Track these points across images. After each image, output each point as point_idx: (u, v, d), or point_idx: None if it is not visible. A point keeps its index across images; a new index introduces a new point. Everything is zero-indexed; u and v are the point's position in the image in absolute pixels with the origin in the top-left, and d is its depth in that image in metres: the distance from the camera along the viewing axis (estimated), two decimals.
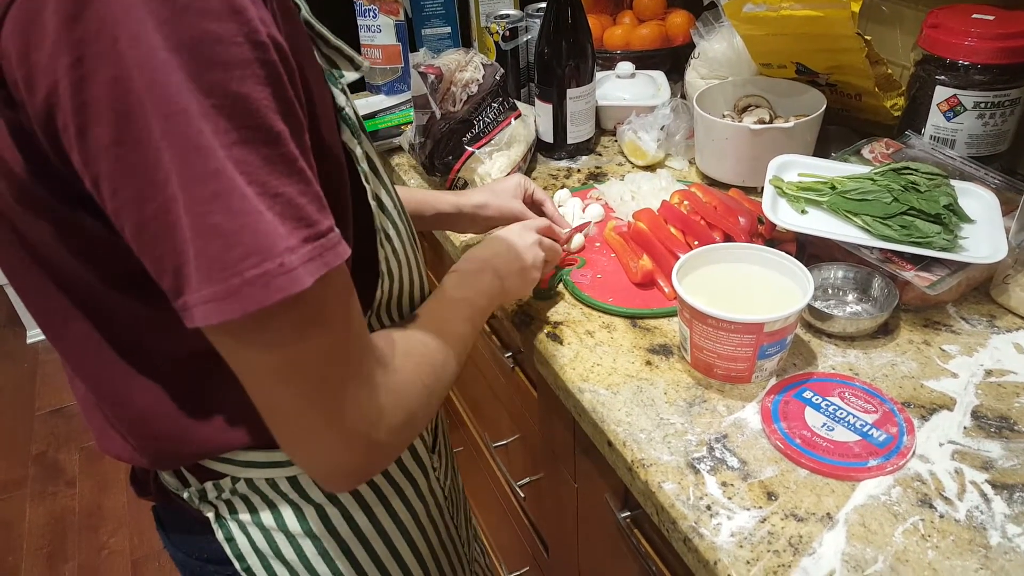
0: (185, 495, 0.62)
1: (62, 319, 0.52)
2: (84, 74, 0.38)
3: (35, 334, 2.72)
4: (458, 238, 1.04)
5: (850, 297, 0.84)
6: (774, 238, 0.91)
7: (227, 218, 0.39)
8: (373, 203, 0.59)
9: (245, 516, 0.63)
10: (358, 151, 0.57)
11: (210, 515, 0.63)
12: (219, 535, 0.63)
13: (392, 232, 0.63)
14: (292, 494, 0.63)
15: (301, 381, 0.46)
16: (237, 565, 0.64)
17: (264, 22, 0.41)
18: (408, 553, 0.70)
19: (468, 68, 1.12)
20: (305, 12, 0.55)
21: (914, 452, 0.65)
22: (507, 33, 1.28)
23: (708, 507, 0.62)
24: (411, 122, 1.19)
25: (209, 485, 0.61)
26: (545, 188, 1.14)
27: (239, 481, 0.61)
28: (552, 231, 0.86)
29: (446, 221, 0.92)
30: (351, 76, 0.60)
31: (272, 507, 0.63)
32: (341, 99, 0.56)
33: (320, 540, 0.65)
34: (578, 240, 0.96)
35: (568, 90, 1.13)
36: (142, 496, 0.66)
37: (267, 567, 0.64)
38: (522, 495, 1.15)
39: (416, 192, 0.92)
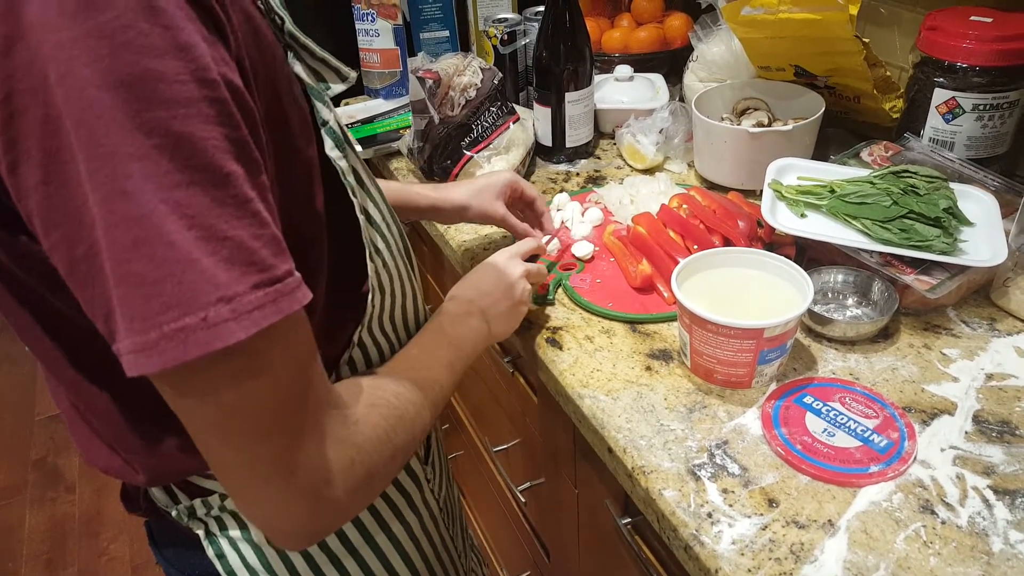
0: (174, 512, 0.62)
1: (38, 336, 0.52)
2: (13, 111, 0.37)
3: None
4: (456, 240, 1.03)
5: (850, 301, 0.83)
6: (773, 242, 0.91)
7: (149, 267, 0.37)
8: (361, 217, 0.58)
9: (235, 532, 0.62)
10: (343, 164, 0.56)
11: (200, 532, 0.62)
12: (209, 552, 0.62)
13: (382, 245, 0.62)
14: None
15: (241, 435, 0.43)
16: None
17: (217, 60, 0.40)
18: (402, 566, 0.70)
19: (466, 72, 1.12)
20: (289, 24, 0.54)
21: (915, 457, 0.65)
22: (505, 37, 1.28)
23: (709, 514, 0.61)
24: (409, 126, 1.19)
25: (198, 502, 0.61)
26: (544, 192, 1.14)
27: (227, 498, 0.61)
28: (540, 250, 0.84)
29: (422, 215, 0.91)
30: (337, 88, 0.59)
31: None
32: (325, 112, 0.55)
33: (311, 555, 0.64)
34: (553, 246, 0.95)
35: (566, 93, 1.13)
36: (132, 512, 0.65)
37: None
38: (523, 500, 1.15)
39: (393, 185, 0.89)
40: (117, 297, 0.38)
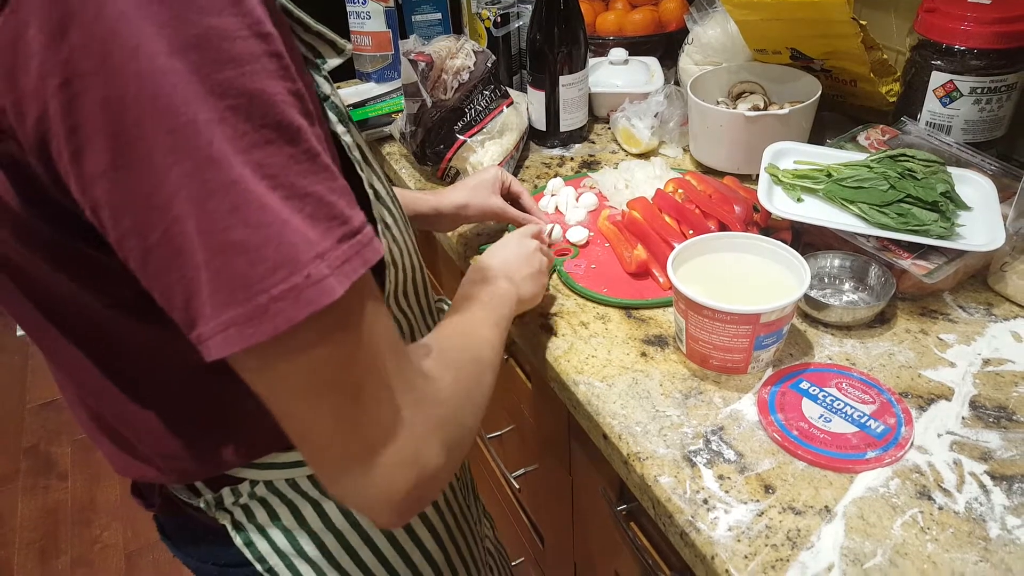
0: (201, 504, 0.61)
1: (63, 348, 0.50)
2: (73, 95, 0.35)
3: None
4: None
5: (846, 286, 0.83)
6: (769, 226, 0.90)
7: (249, 232, 0.36)
8: (370, 191, 0.58)
9: (263, 519, 0.62)
10: (348, 139, 0.56)
11: (226, 522, 0.61)
12: (237, 540, 0.62)
13: (390, 220, 0.62)
14: (313, 491, 0.62)
15: (339, 395, 0.42)
16: (259, 567, 0.63)
17: (265, 15, 0.39)
18: (428, 537, 0.70)
19: (459, 55, 1.10)
20: None
21: (912, 443, 0.64)
22: (498, 19, 1.26)
23: (705, 501, 0.61)
24: (402, 110, 1.18)
25: (226, 491, 0.60)
26: (538, 177, 1.12)
27: (258, 484, 0.60)
28: (541, 236, 0.85)
29: (425, 222, 0.91)
30: (334, 62, 0.58)
31: (292, 506, 0.62)
32: (326, 87, 0.55)
33: (343, 534, 0.64)
34: (557, 233, 0.94)
35: (561, 77, 1.12)
36: (148, 508, 0.65)
37: (290, 566, 0.63)
38: (517, 486, 1.14)
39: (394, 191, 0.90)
40: (212, 271, 0.37)
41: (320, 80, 0.54)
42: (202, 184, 0.36)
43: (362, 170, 0.57)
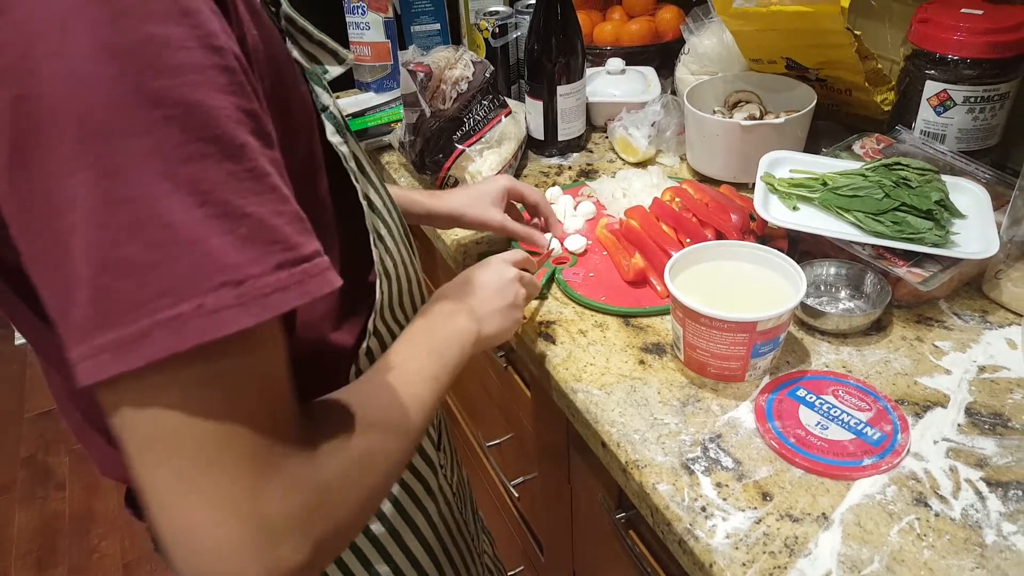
0: None
1: (57, 346, 0.51)
2: None
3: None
4: (449, 235, 1.03)
5: (843, 294, 0.83)
6: (766, 235, 0.91)
7: (144, 251, 0.34)
8: (364, 203, 0.58)
9: None
10: (344, 150, 0.56)
11: None
12: None
13: (384, 231, 0.62)
14: None
15: (191, 456, 0.36)
16: None
17: (222, 30, 0.38)
18: (422, 552, 0.70)
19: (458, 65, 1.11)
20: (286, 7, 0.53)
21: (908, 450, 0.65)
22: (497, 30, 1.27)
23: (703, 508, 0.61)
24: (400, 120, 1.18)
25: None
26: (536, 186, 1.13)
27: None
28: (530, 263, 0.79)
29: (419, 220, 0.90)
30: (335, 71, 0.58)
31: None
32: (325, 97, 0.55)
33: None
34: (555, 245, 0.94)
35: (558, 87, 1.12)
36: (140, 519, 0.64)
37: None
38: (516, 495, 1.14)
39: (391, 190, 0.89)
40: (95, 288, 0.34)
41: (319, 91, 0.55)
42: (103, 196, 0.34)
43: (357, 181, 0.57)
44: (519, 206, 0.95)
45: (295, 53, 0.53)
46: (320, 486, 0.41)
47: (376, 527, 0.66)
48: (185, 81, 0.35)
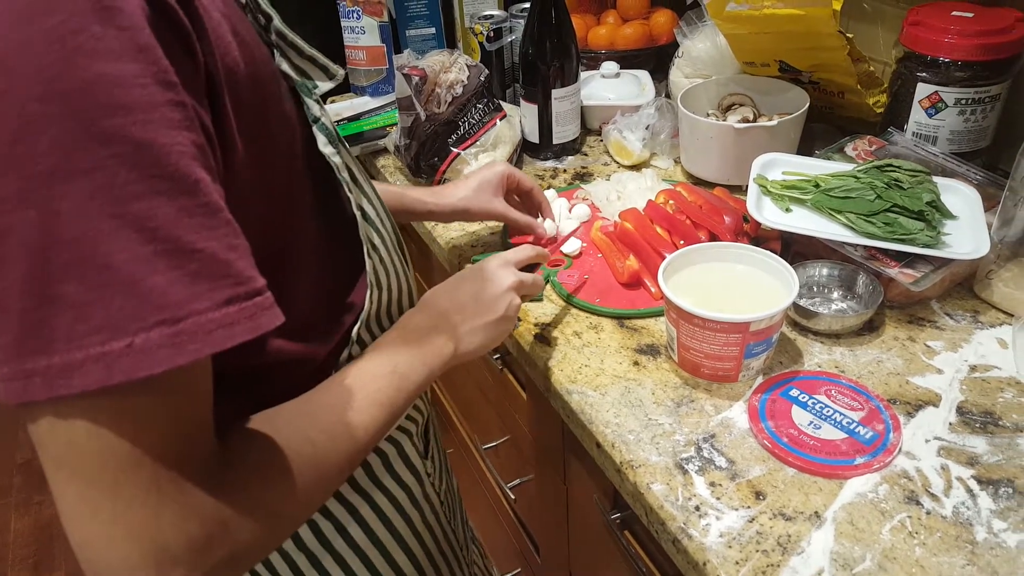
0: None
1: None
2: None
3: None
4: (444, 237, 1.03)
5: (835, 294, 0.84)
6: (759, 236, 0.91)
7: (82, 289, 0.35)
8: (357, 213, 0.58)
9: None
10: (337, 160, 0.56)
11: None
12: None
13: (378, 241, 0.61)
14: None
15: (82, 483, 0.38)
16: None
17: (189, 61, 0.38)
18: (406, 562, 0.69)
19: (452, 69, 1.12)
20: (277, 22, 0.53)
21: (900, 449, 0.65)
22: (491, 34, 1.28)
23: (697, 507, 0.62)
24: (396, 124, 1.19)
25: None
26: None
27: None
28: (540, 256, 0.77)
29: (422, 218, 0.90)
30: (325, 86, 0.58)
31: None
32: (315, 109, 0.55)
33: (314, 554, 0.63)
34: (550, 227, 0.93)
35: (553, 90, 1.13)
36: None
37: None
38: (512, 496, 1.15)
39: (390, 190, 0.89)
40: (31, 319, 0.35)
41: (310, 103, 0.54)
42: (45, 235, 0.34)
43: (350, 191, 0.57)
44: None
45: (285, 67, 0.53)
46: (221, 517, 0.41)
47: (356, 533, 0.65)
48: (137, 119, 0.35)
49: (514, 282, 0.69)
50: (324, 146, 0.55)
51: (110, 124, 0.35)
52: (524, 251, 0.75)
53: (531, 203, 0.93)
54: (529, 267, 0.76)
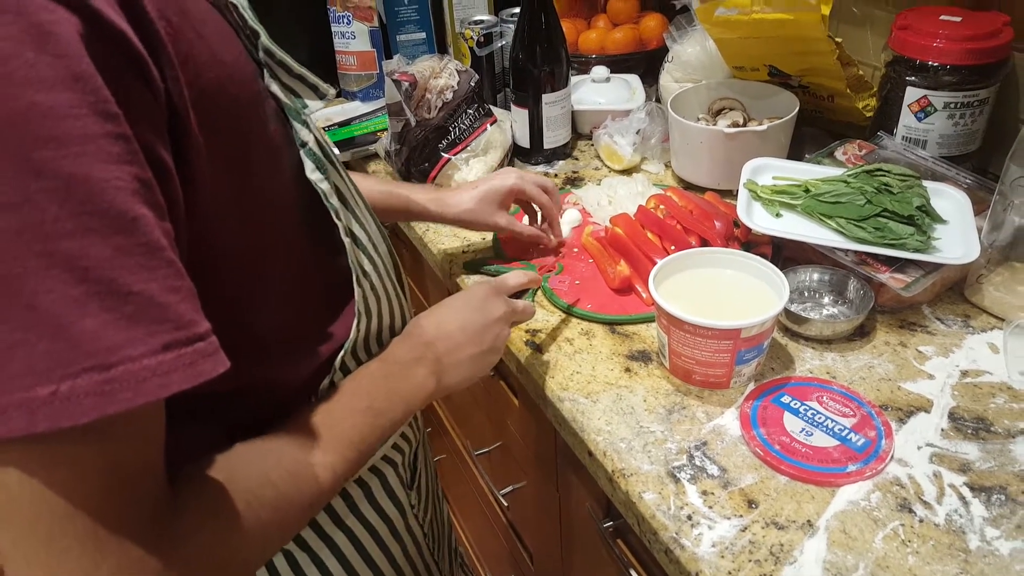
0: None
1: None
2: None
3: None
4: (437, 245, 1.03)
5: (826, 299, 0.84)
6: (750, 242, 0.91)
7: (7, 331, 0.33)
8: (347, 240, 0.56)
9: None
10: (325, 186, 0.54)
11: None
12: None
13: (369, 267, 0.59)
14: None
15: (27, 530, 0.36)
16: None
17: (111, 93, 0.35)
18: None
19: (443, 74, 1.11)
20: (265, 39, 0.51)
21: (892, 456, 0.65)
22: (482, 39, 1.27)
23: (689, 517, 0.61)
24: (387, 128, 1.18)
25: None
26: None
27: None
28: (533, 282, 0.76)
29: (422, 219, 0.90)
30: (315, 106, 0.56)
31: None
32: (304, 133, 0.53)
33: (300, 565, 0.61)
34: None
35: (543, 95, 1.13)
36: None
37: None
38: (505, 503, 1.14)
39: (394, 190, 0.87)
40: None
41: (298, 126, 0.53)
42: None
43: (339, 218, 0.55)
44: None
45: (274, 87, 0.51)
46: (164, 568, 0.39)
47: (333, 567, 0.62)
48: (70, 152, 0.33)
49: (505, 312, 0.68)
50: (312, 172, 0.53)
51: (40, 156, 0.33)
52: (516, 278, 0.74)
53: (542, 214, 0.93)
54: (519, 291, 0.75)
